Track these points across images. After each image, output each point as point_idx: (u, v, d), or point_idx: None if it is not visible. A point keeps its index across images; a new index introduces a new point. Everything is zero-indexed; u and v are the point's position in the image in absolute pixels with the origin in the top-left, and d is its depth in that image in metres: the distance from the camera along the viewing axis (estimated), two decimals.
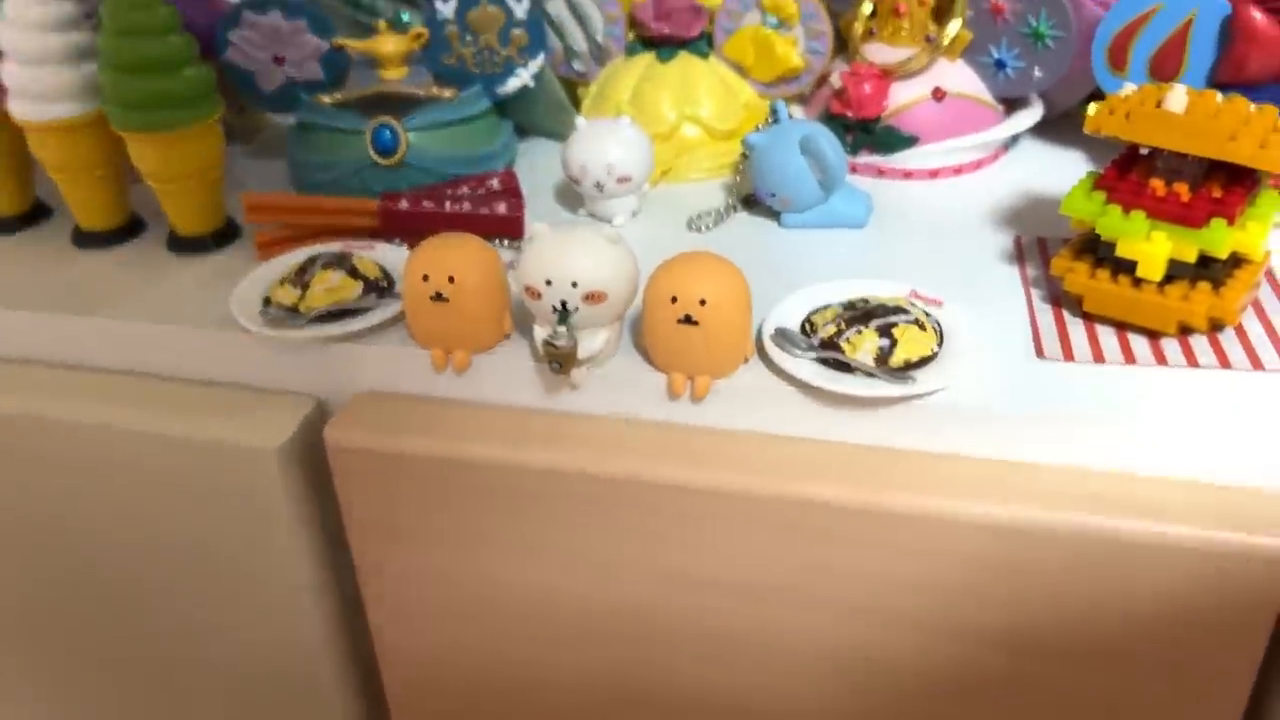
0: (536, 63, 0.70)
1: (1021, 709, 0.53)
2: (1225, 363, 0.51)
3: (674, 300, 0.49)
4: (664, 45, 0.71)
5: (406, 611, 0.60)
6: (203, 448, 0.56)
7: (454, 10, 0.67)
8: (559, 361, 0.51)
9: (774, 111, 0.64)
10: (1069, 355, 0.52)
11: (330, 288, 0.57)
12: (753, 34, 0.71)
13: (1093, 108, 0.74)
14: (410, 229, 0.63)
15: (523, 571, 0.56)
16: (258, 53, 0.68)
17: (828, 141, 0.61)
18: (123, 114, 0.60)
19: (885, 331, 0.50)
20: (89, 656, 0.68)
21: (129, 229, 0.67)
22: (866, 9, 0.70)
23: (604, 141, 0.63)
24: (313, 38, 0.67)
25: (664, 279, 0.50)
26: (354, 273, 0.58)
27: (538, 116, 0.75)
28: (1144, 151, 0.54)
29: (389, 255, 0.61)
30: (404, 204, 0.63)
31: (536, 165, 0.73)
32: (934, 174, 0.69)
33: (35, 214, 0.70)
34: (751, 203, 0.67)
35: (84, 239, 0.67)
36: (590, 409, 0.54)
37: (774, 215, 0.65)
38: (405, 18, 0.75)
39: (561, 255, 0.50)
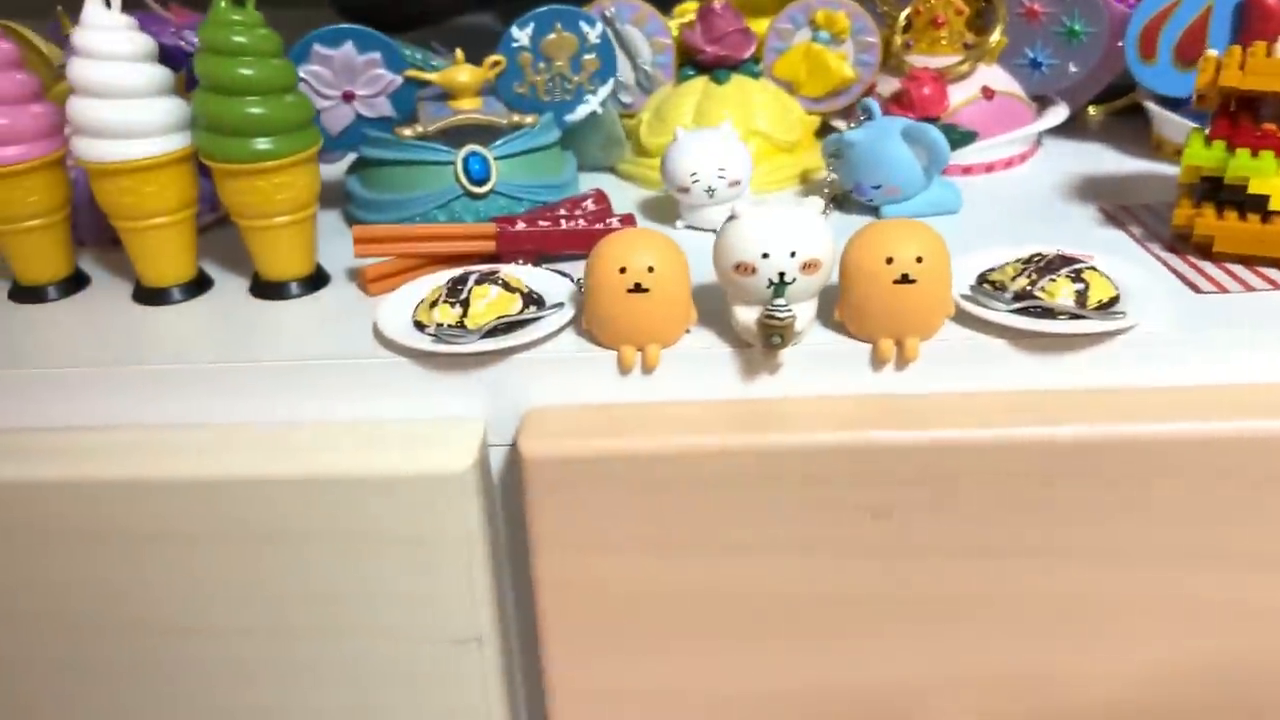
0: (606, 89, 0.70)
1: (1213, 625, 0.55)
2: None
3: (890, 261, 0.50)
4: (717, 68, 0.73)
5: (587, 633, 0.56)
6: (377, 484, 0.51)
7: (530, 36, 0.67)
8: (780, 334, 0.50)
9: (867, 109, 0.66)
10: (1221, 289, 0.56)
11: (491, 302, 0.54)
12: (805, 50, 0.73)
13: (1093, 110, 0.82)
14: (529, 250, 0.61)
15: (734, 570, 0.53)
16: (328, 89, 0.64)
17: (930, 127, 0.64)
18: (222, 143, 0.56)
19: (1077, 276, 0.53)
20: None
21: (199, 283, 0.62)
22: (902, 22, 0.74)
23: (712, 147, 0.63)
24: (386, 72, 0.65)
25: (876, 241, 0.50)
26: (508, 287, 0.55)
27: (592, 148, 0.74)
28: (1232, 108, 0.59)
29: (520, 272, 0.59)
30: (521, 225, 0.61)
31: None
32: (989, 168, 0.73)
33: (78, 280, 0.63)
34: (841, 202, 0.68)
35: (150, 296, 0.61)
36: (790, 391, 0.53)
37: (869, 211, 0.67)
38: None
39: (777, 227, 0.50)
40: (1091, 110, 0.82)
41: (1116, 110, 0.82)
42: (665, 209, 0.69)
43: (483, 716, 0.58)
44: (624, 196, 0.73)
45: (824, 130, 0.77)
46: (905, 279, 0.50)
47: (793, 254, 0.49)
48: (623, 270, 0.51)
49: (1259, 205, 0.56)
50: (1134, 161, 0.75)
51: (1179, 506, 0.51)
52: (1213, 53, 0.60)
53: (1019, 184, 0.72)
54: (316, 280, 0.61)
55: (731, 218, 0.51)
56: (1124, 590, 0.53)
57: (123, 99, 0.56)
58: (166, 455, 0.53)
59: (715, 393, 0.54)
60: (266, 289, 0.61)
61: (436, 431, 0.53)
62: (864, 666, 0.56)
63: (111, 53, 0.55)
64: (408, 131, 0.65)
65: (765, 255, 0.49)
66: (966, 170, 0.73)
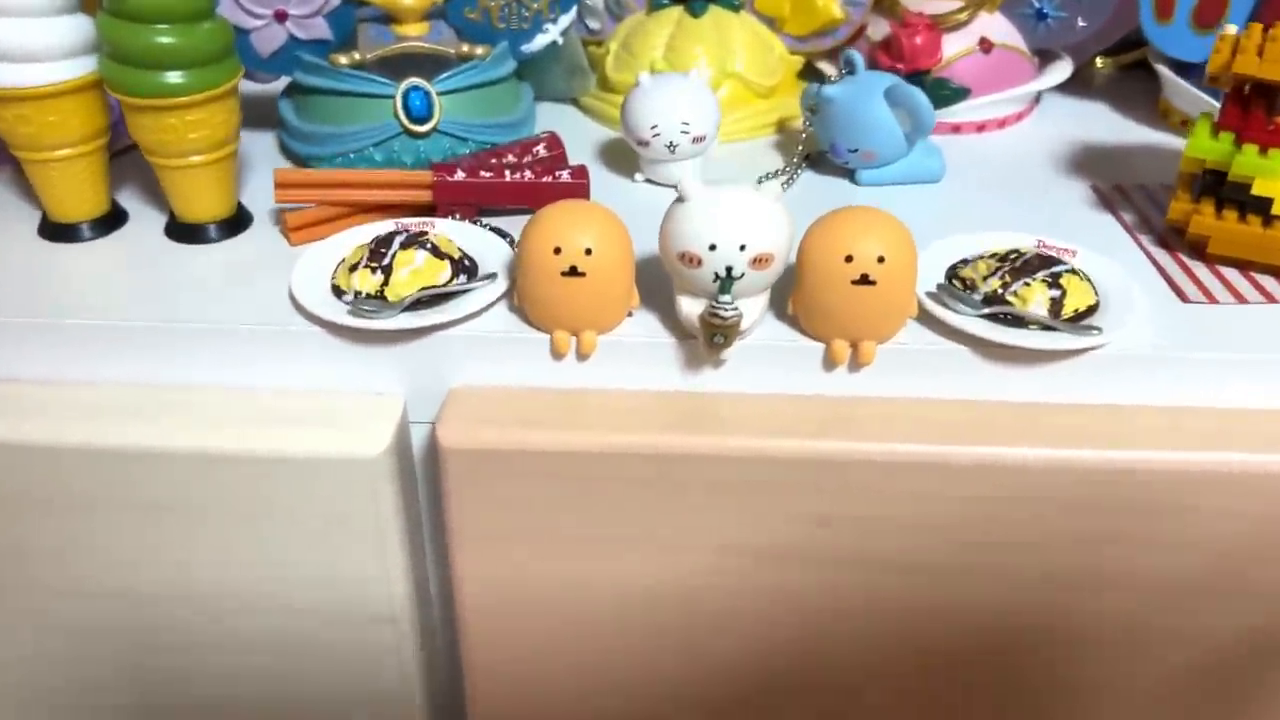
0: (566, 18, 0.64)
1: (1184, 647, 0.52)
2: None
3: (849, 259, 0.45)
4: None
5: (506, 624, 0.53)
6: (290, 465, 0.48)
7: None
8: (723, 334, 0.46)
9: (849, 62, 0.60)
10: (1211, 299, 0.51)
11: (416, 270, 0.49)
12: None
13: (1100, 60, 0.76)
14: (468, 203, 0.56)
15: (660, 570, 0.51)
16: (258, 8, 0.58)
17: (916, 91, 0.58)
18: (128, 74, 0.50)
19: (1054, 282, 0.48)
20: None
21: (113, 219, 0.57)
22: None
23: (677, 98, 0.58)
24: None
25: (835, 236, 0.46)
26: (436, 252, 0.50)
27: (553, 79, 0.69)
28: (1246, 94, 0.54)
29: (452, 231, 0.54)
30: (460, 175, 0.56)
31: (559, 130, 0.67)
32: (981, 127, 0.68)
33: None
34: (815, 160, 0.63)
35: (56, 232, 0.56)
36: (734, 388, 0.49)
37: (843, 173, 0.62)
38: None
39: (727, 216, 0.45)
40: (1099, 62, 0.76)
41: (1125, 65, 0.76)
42: (626, 156, 0.63)
43: (399, 692, 0.56)
44: (583, 136, 0.67)
45: (808, 73, 0.71)
46: (865, 280, 0.45)
47: (742, 247, 0.45)
48: (557, 251, 0.46)
49: (1261, 208, 0.52)
50: (1137, 129, 0.69)
51: (1130, 536, 0.48)
52: (1231, 30, 0.54)
53: (1009, 148, 0.66)
54: (237, 223, 0.57)
55: (679, 199, 0.46)
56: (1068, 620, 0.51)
57: (16, 17, 0.50)
58: (82, 419, 0.49)
59: (653, 383, 0.50)
60: (182, 231, 0.56)
61: (353, 409, 0.49)
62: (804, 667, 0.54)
63: None
64: (343, 59, 0.59)
65: (712, 247, 0.45)
66: (956, 129, 0.67)
